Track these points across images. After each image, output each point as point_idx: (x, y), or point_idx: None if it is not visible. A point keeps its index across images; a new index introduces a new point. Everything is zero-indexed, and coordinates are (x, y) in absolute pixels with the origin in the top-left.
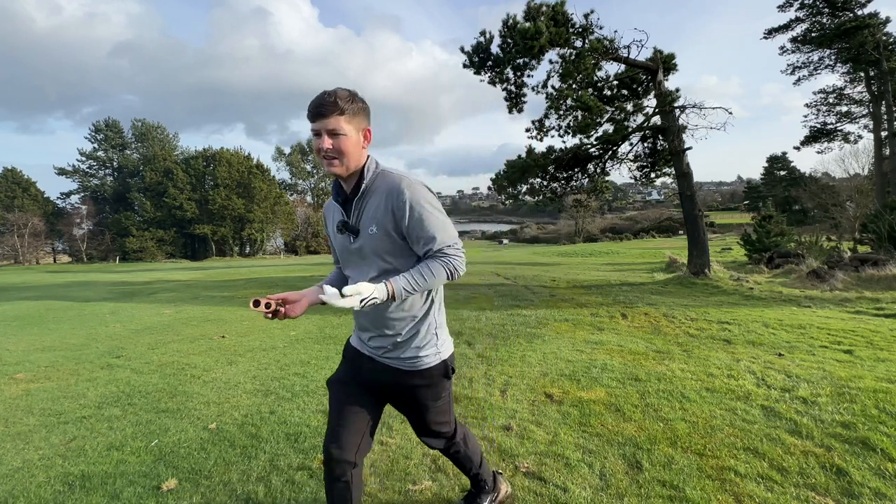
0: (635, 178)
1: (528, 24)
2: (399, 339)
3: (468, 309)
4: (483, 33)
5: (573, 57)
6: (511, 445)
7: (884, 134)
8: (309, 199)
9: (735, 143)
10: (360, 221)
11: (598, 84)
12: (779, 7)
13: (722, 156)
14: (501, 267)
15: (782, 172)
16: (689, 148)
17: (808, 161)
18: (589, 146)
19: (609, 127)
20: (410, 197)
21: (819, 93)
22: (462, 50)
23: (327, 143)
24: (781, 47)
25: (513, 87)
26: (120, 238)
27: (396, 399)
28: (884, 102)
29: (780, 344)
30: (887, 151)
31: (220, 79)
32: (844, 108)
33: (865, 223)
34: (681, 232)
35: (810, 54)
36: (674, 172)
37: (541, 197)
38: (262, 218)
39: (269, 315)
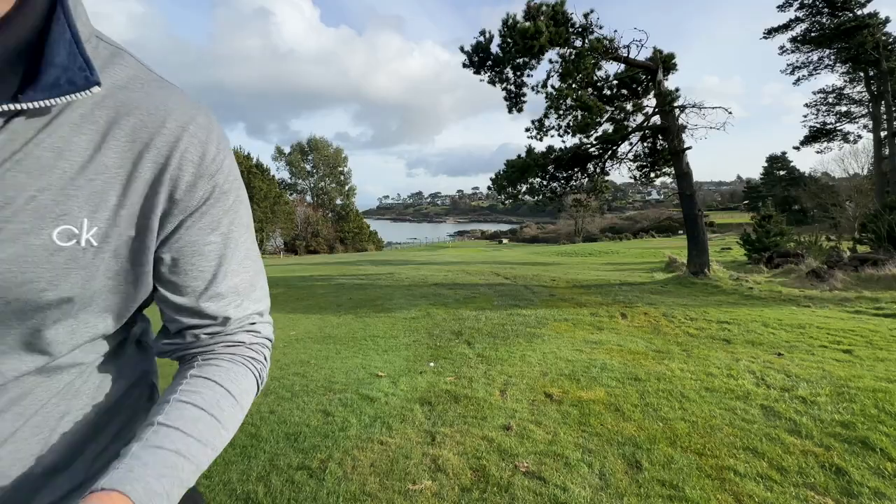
0: (635, 178)
1: (527, 24)
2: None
3: (468, 309)
4: (483, 33)
5: (573, 56)
6: (511, 445)
7: (883, 134)
8: (309, 198)
9: (735, 143)
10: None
11: (598, 84)
12: (779, 7)
13: (722, 156)
14: (501, 267)
15: (782, 172)
16: (688, 148)
17: (807, 161)
18: (589, 146)
19: (609, 127)
20: (227, 177)
21: (819, 93)
22: (462, 49)
23: None
24: (781, 47)
25: (512, 87)
26: None
27: None
28: (883, 102)
29: (779, 344)
30: (887, 151)
31: (221, 78)
32: (844, 108)
33: (865, 223)
34: (680, 232)
35: (810, 54)
36: (673, 172)
37: (540, 197)
38: (262, 217)
39: None
